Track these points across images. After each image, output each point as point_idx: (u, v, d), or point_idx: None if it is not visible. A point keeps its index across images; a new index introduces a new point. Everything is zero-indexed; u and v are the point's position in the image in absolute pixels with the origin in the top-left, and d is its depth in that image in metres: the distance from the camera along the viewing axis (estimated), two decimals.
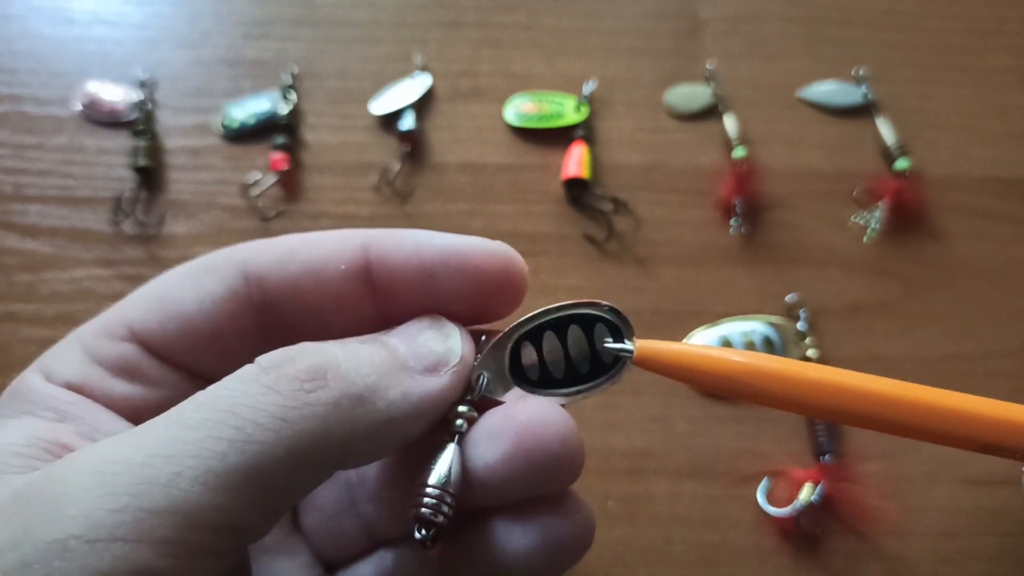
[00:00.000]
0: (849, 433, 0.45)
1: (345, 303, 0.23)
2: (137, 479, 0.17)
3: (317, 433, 0.19)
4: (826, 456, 0.44)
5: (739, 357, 0.23)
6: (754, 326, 0.47)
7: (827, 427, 0.44)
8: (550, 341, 0.24)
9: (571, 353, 0.24)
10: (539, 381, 0.24)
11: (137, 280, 0.48)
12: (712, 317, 0.48)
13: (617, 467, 0.44)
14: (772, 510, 0.42)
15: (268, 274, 0.23)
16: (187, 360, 0.24)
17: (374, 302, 0.23)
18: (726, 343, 0.47)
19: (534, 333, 0.23)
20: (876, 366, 0.47)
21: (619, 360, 0.23)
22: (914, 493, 0.44)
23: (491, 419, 0.22)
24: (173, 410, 0.19)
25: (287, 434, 0.19)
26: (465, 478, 0.22)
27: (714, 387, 0.23)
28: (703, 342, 0.47)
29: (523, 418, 0.22)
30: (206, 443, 0.18)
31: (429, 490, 0.21)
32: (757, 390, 0.23)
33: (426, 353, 0.22)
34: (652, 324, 0.48)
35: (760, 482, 0.43)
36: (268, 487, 0.19)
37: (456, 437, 0.22)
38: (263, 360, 0.20)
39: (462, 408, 0.22)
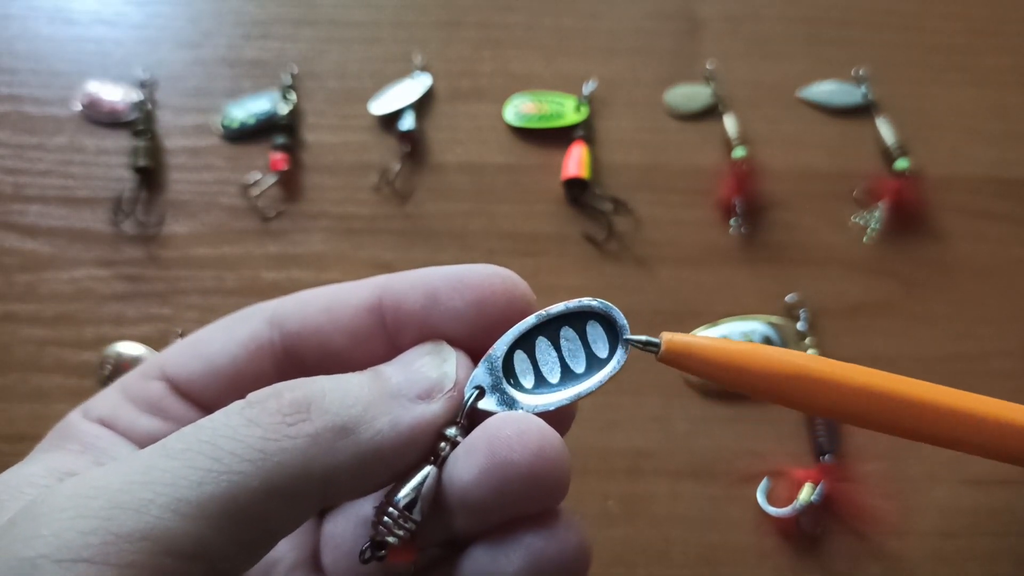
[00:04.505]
0: (849, 433, 0.45)
1: (359, 339, 0.24)
2: (111, 503, 0.18)
3: (296, 465, 0.19)
4: (826, 456, 0.44)
5: (786, 357, 0.21)
6: (754, 326, 0.47)
7: (827, 427, 0.44)
8: (543, 346, 0.23)
9: (564, 354, 0.23)
10: (535, 387, 0.23)
11: (137, 280, 0.48)
12: (712, 317, 0.48)
13: (617, 467, 0.44)
14: (772, 510, 0.42)
15: (289, 317, 0.24)
16: (209, 399, 0.25)
17: (386, 337, 0.24)
18: None
19: (527, 340, 0.23)
20: (876, 366, 0.46)
21: (613, 355, 0.23)
22: (914, 493, 0.44)
23: (470, 436, 0.22)
24: (161, 441, 0.20)
25: (265, 466, 0.19)
26: (445, 501, 0.21)
27: (753, 390, 0.22)
28: None
29: (494, 431, 0.21)
30: (182, 472, 0.18)
31: (389, 509, 0.21)
32: (806, 398, 0.21)
33: (420, 379, 0.22)
34: (652, 324, 0.48)
35: (760, 482, 0.43)
36: (245, 518, 0.19)
37: (435, 459, 0.22)
38: (252, 395, 0.21)
39: (449, 431, 0.22)
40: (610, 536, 0.42)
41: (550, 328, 0.23)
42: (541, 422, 0.21)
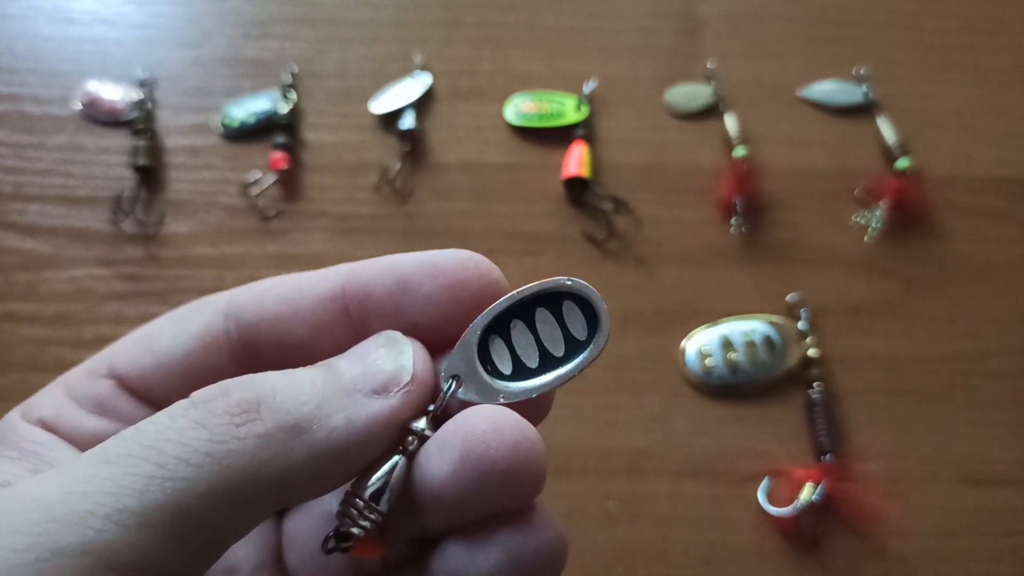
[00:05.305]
0: (850, 433, 0.45)
1: (322, 330, 0.23)
2: (47, 516, 0.17)
3: (246, 468, 0.18)
4: (827, 456, 0.43)
5: None
6: (755, 325, 0.47)
7: (828, 427, 0.44)
8: (519, 329, 0.22)
9: (541, 337, 0.22)
10: (514, 373, 0.22)
11: (137, 280, 0.48)
12: (712, 317, 0.48)
13: (617, 467, 0.44)
14: (773, 510, 0.42)
15: (245, 307, 0.23)
16: (161, 397, 0.23)
17: (351, 327, 0.23)
18: (727, 343, 0.46)
19: (501, 324, 0.22)
20: (876, 365, 0.47)
21: (593, 336, 0.22)
22: (914, 493, 0.44)
23: (443, 429, 0.21)
24: (100, 445, 0.19)
25: (212, 470, 0.18)
26: (417, 497, 0.21)
27: None
28: (704, 342, 0.47)
29: (469, 426, 0.20)
30: (124, 479, 0.17)
31: (355, 499, 0.20)
32: None
33: (375, 373, 0.21)
34: (652, 324, 0.48)
35: (761, 482, 0.43)
36: (193, 526, 0.18)
37: (403, 451, 0.21)
38: (197, 395, 0.20)
39: (416, 424, 0.21)
40: (610, 536, 0.42)
41: (525, 311, 0.22)
42: (516, 415, 0.20)
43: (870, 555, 0.42)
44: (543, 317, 0.22)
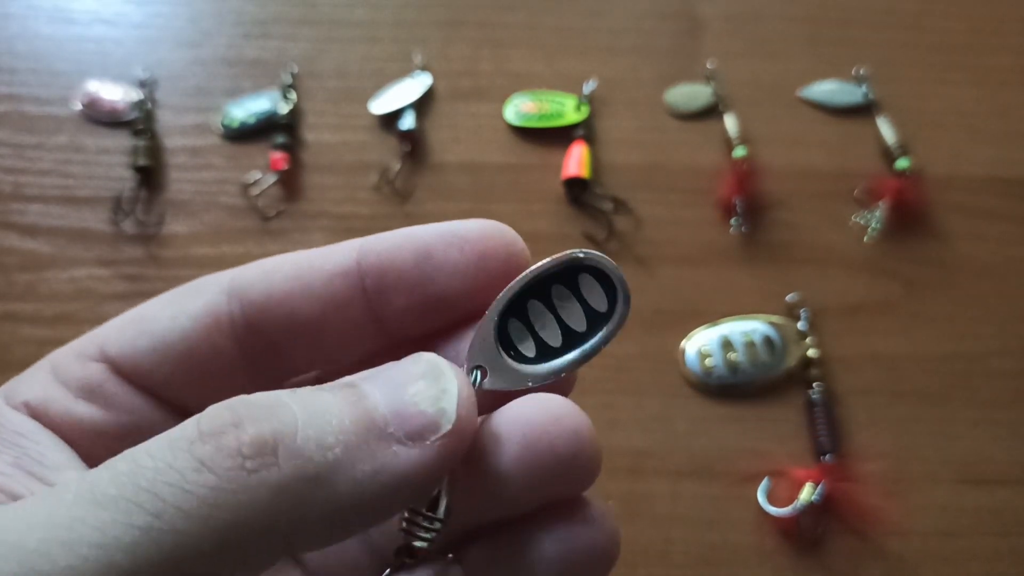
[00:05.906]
0: (850, 433, 0.45)
1: (334, 307, 0.21)
2: (23, 570, 0.15)
3: (256, 522, 0.16)
4: (827, 456, 0.43)
5: None
6: (755, 326, 0.47)
7: (828, 427, 0.44)
8: (537, 309, 0.21)
9: (561, 314, 0.21)
10: (538, 355, 0.21)
11: (137, 280, 0.48)
12: (712, 317, 0.48)
13: (617, 467, 0.44)
14: (773, 510, 0.42)
15: (252, 286, 0.22)
16: (157, 383, 0.21)
17: (366, 303, 0.21)
18: (726, 343, 0.47)
19: (517, 307, 0.21)
20: (876, 365, 0.47)
21: (615, 307, 0.21)
22: (914, 493, 0.44)
23: (496, 421, 0.20)
24: (90, 476, 0.16)
25: (217, 525, 0.16)
26: (473, 493, 0.20)
27: None
28: (704, 342, 0.47)
29: (529, 417, 0.19)
30: (115, 529, 0.15)
31: (414, 514, 0.20)
32: None
33: (412, 414, 0.18)
34: (652, 324, 0.48)
35: (761, 482, 0.43)
36: None
37: None
38: (205, 422, 0.17)
39: None
40: None
41: (541, 290, 0.21)
42: (571, 403, 0.20)
43: (870, 555, 0.42)
44: (560, 294, 0.22)
